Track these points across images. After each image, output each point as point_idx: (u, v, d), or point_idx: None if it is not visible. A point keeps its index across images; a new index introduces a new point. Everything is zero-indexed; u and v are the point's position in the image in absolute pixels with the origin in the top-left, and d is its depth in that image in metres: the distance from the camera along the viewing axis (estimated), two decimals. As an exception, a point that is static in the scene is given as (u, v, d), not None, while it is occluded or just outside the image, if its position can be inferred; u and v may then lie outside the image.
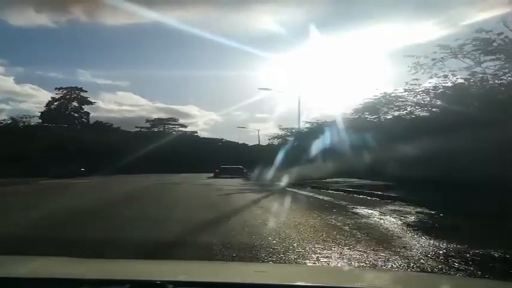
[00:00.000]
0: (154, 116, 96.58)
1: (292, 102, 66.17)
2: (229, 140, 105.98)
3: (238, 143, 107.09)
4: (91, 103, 75.56)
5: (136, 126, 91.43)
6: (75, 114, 75.41)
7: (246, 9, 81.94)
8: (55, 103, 74.64)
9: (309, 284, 2.01)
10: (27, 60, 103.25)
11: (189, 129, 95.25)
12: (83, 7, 76.93)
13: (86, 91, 75.62)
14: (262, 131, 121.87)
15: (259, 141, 61.52)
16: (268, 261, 4.65)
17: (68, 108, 74.81)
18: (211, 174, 49.29)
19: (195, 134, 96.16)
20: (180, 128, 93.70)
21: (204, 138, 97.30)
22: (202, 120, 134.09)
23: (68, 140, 60.62)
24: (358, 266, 4.43)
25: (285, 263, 4.59)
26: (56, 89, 74.93)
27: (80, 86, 75.08)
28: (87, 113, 75.57)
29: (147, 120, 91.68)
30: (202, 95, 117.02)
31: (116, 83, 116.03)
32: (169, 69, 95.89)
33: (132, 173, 54.77)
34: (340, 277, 2.27)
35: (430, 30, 51.85)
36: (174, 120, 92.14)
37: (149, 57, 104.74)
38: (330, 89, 45.03)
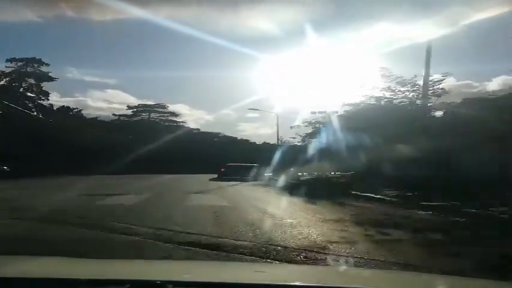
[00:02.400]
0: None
1: (285, 103, 60.12)
2: (227, 134, 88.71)
3: (237, 138, 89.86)
4: (52, 79, 57.62)
5: (114, 114, 73.74)
6: (31, 94, 57.58)
7: (239, 8, 76.86)
8: (5, 79, 56.83)
9: (309, 284, 1.99)
10: (13, 56, 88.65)
11: (178, 119, 77.38)
12: (69, 1, 64.66)
13: (48, 64, 57.69)
14: (254, 131, 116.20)
15: (278, 132, 43.77)
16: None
17: (21, 85, 56.99)
18: (213, 176, 34.56)
19: (186, 125, 78.24)
20: (170, 118, 75.88)
21: (197, 130, 79.60)
22: (192, 119, 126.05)
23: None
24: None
25: None
26: (7, 61, 57.03)
27: (38, 58, 57.05)
28: (47, 93, 57.69)
29: (129, 107, 73.90)
30: (192, 94, 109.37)
31: (104, 80, 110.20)
32: (159, 68, 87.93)
33: (100, 172, 38.22)
34: (340, 277, 2.28)
35: (428, 30, 46.42)
36: (162, 107, 74.28)
37: (138, 54, 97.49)
38: (325, 89, 43.64)
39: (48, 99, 57.74)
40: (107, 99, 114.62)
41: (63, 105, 65.90)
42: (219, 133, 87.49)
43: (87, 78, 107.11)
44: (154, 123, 74.30)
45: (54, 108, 63.52)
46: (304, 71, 55.38)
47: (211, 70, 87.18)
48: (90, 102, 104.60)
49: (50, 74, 57.57)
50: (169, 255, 5.18)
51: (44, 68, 57.35)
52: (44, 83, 57.48)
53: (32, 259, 2.52)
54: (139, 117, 74.24)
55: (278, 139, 43.98)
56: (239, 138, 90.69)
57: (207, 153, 69.69)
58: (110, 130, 67.63)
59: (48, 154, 50.21)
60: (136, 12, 59.67)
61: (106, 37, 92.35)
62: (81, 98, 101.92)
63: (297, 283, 2.01)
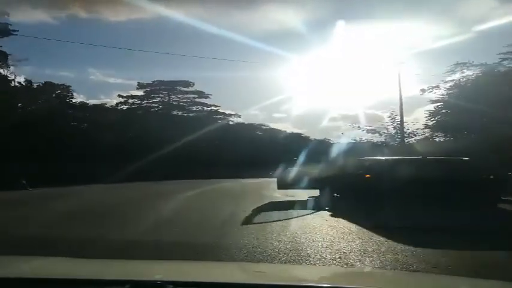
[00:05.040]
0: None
1: (310, 102, 58.08)
2: (272, 126, 66.46)
3: (286, 131, 67.46)
4: (9, 33, 36.30)
5: (119, 95, 52.55)
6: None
7: (264, 5, 68.88)
8: None
9: (309, 284, 2.00)
10: (34, 59, 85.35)
11: (209, 102, 55.28)
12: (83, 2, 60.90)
13: (7, 14, 36.69)
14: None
15: (401, 103, 21.06)
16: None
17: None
18: (269, 181, 18.23)
19: (218, 109, 56.07)
20: (197, 99, 53.95)
21: (236, 116, 57.69)
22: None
23: None
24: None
25: None
26: None
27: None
28: (5, 55, 36.66)
29: (140, 85, 52.28)
30: (218, 94, 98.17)
31: (128, 82, 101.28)
32: (182, 67, 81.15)
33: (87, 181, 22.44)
34: (340, 277, 2.28)
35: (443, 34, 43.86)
36: (187, 84, 52.44)
37: (158, 54, 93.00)
38: (350, 88, 38.93)
39: (7, 66, 36.71)
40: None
41: (46, 81, 45.33)
42: (262, 124, 65.35)
43: (111, 80, 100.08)
44: (176, 108, 52.94)
45: (35, 86, 43.36)
46: (331, 69, 51.73)
47: (237, 70, 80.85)
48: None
49: (9, 28, 36.42)
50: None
51: None
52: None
53: (32, 259, 2.54)
54: (156, 99, 52.98)
55: (402, 120, 21.07)
56: (289, 131, 68.53)
57: (251, 149, 47.97)
58: (111, 119, 47.02)
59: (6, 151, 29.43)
60: (153, 10, 49.83)
61: (124, 37, 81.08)
62: (107, 100, 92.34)
63: (297, 283, 1.99)
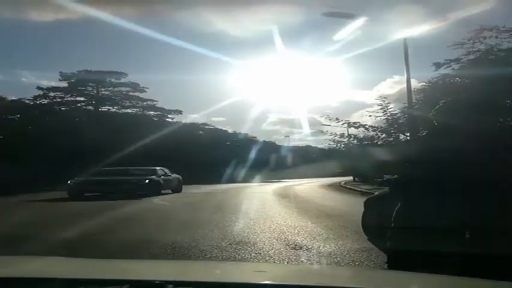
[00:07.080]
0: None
1: (249, 107, 56.46)
2: (217, 126, 61.19)
3: (226, 131, 62.30)
4: None
5: (38, 87, 44.33)
6: None
7: (205, 13, 73.81)
8: None
9: (309, 284, 1.88)
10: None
11: (145, 96, 48.44)
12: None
13: None
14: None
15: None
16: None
17: None
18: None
19: (156, 104, 49.53)
20: (131, 93, 47.01)
21: (177, 112, 51.67)
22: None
23: None
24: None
25: None
26: None
27: None
28: None
29: (62, 75, 43.96)
30: (159, 98, 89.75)
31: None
32: (119, 69, 64.01)
33: None
34: (340, 277, 2.17)
35: (418, 25, 32.40)
36: (118, 75, 45.09)
37: (95, 56, 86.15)
38: (298, 93, 43.83)
39: None
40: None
41: None
42: (205, 124, 59.34)
43: (44, 82, 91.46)
44: (107, 102, 45.84)
45: None
46: (277, 75, 53.14)
47: (178, 74, 76.49)
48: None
49: None
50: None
51: None
52: None
53: (32, 259, 2.50)
54: (83, 93, 45.45)
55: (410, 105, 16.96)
56: (231, 131, 63.14)
57: (195, 150, 42.22)
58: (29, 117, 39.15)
59: None
60: (93, 12, 45.74)
61: (55, 38, 78.76)
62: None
63: (297, 283, 1.91)
